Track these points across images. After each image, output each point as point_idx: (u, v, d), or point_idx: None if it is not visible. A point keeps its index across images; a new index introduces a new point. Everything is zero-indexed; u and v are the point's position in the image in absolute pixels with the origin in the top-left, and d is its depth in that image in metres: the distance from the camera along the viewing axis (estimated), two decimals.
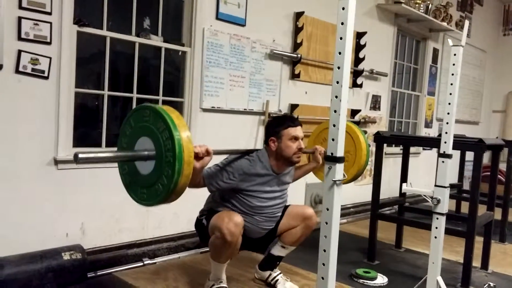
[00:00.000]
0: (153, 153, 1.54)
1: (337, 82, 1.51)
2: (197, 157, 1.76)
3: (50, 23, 2.36)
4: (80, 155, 1.36)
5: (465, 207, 3.71)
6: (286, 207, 2.43)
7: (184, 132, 1.50)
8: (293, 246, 2.41)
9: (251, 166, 2.17)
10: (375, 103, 4.83)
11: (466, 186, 5.00)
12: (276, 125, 2.27)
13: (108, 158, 1.64)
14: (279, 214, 2.37)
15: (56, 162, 2.43)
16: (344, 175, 1.53)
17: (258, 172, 2.19)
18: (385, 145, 3.24)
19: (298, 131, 2.25)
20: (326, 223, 1.50)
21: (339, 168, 1.51)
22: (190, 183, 1.98)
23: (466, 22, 2.33)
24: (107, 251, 2.63)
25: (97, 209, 2.63)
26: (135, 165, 1.61)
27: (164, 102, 3.02)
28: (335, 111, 1.52)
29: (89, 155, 1.45)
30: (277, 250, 2.45)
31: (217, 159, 2.05)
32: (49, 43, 2.36)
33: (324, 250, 1.49)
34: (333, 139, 1.52)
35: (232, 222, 2.05)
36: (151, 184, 1.57)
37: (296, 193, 3.93)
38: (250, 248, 2.44)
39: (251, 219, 2.24)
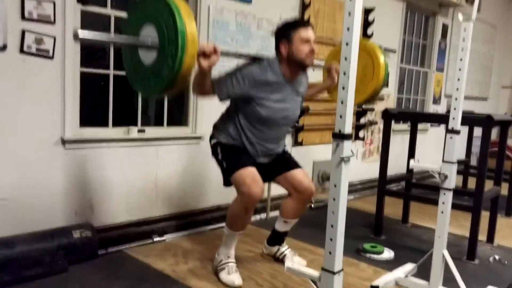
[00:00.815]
0: (156, 40, 1.57)
1: (345, 59, 1.49)
2: (205, 55, 1.76)
3: (54, 2, 2.33)
4: (80, 34, 1.37)
5: (472, 183, 3.70)
6: (293, 163, 2.39)
7: (185, 9, 1.53)
8: (294, 219, 2.45)
9: (261, 73, 2.13)
10: None
11: (474, 162, 4.98)
12: (286, 27, 2.20)
13: (109, 40, 1.71)
14: (286, 131, 2.35)
15: (64, 142, 2.45)
16: (352, 152, 1.53)
17: (269, 79, 2.14)
18: (393, 122, 3.22)
19: (309, 32, 2.18)
20: (334, 199, 1.51)
21: (347, 145, 1.50)
22: (199, 89, 2.04)
23: None
24: (117, 228, 2.67)
25: (106, 188, 2.66)
26: (139, 56, 1.66)
27: None
28: (343, 88, 1.51)
29: (90, 35, 1.47)
30: (280, 226, 2.49)
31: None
32: (53, 23, 2.35)
33: (332, 226, 1.50)
34: (341, 116, 1.51)
35: (256, 186, 2.08)
36: (157, 70, 1.60)
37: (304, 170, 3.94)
38: None
39: (258, 136, 2.22)
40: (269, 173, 2.37)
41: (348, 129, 1.51)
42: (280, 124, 2.25)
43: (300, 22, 2.22)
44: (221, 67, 2.53)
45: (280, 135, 2.32)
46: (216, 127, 2.33)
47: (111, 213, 2.70)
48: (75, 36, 1.39)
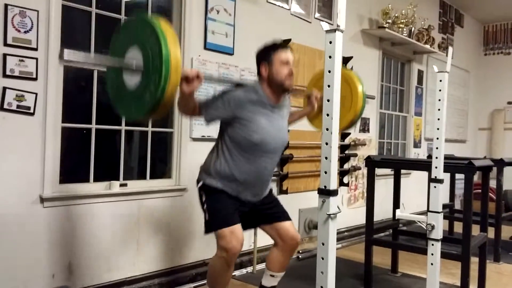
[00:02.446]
0: (141, 64, 1.58)
1: (328, 115, 1.51)
2: (187, 80, 1.80)
3: (36, 58, 2.33)
4: (66, 55, 1.37)
5: (458, 227, 3.69)
6: (281, 213, 2.35)
7: (171, 38, 1.55)
8: (281, 272, 2.38)
9: (245, 93, 2.16)
10: (364, 126, 4.86)
11: (457, 205, 5.01)
12: (266, 50, 2.25)
13: (95, 61, 1.68)
14: (278, 157, 2.31)
15: (42, 200, 2.36)
16: (338, 208, 1.51)
17: (253, 98, 2.16)
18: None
19: (288, 55, 2.23)
20: (322, 259, 1.47)
21: (333, 202, 1.49)
22: (183, 109, 2.09)
23: (450, 49, 2.37)
24: None
25: (85, 247, 2.55)
26: (124, 79, 1.66)
27: (154, 133, 2.99)
28: (326, 144, 1.51)
29: (76, 56, 1.47)
30: (267, 281, 2.40)
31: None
32: (35, 79, 2.34)
33: (321, 287, 1.45)
34: (325, 172, 1.50)
35: (235, 241, 2.08)
36: (139, 96, 1.60)
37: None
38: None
39: (251, 161, 2.17)
40: (255, 219, 2.33)
41: (333, 185, 1.50)
42: (271, 147, 2.21)
43: (280, 45, 2.28)
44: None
45: (270, 165, 2.26)
46: (203, 166, 2.31)
47: (90, 274, 2.57)
48: (60, 57, 1.41)
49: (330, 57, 1.48)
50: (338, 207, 1.52)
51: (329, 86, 1.50)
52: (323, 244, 1.48)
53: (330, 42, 1.48)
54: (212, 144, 3.21)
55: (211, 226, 2.17)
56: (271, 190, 2.41)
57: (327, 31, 1.47)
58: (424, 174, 4.99)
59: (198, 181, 2.28)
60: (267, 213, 2.34)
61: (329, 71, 1.49)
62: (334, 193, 1.49)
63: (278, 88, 2.22)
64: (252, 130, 2.14)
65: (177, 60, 1.54)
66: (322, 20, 4.08)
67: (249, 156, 2.17)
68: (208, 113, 2.13)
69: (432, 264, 2.11)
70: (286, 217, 2.36)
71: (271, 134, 2.20)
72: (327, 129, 1.51)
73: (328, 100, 1.50)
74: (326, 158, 1.50)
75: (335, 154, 1.50)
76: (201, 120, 3.11)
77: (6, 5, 2.21)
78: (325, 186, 1.49)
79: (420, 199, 5.38)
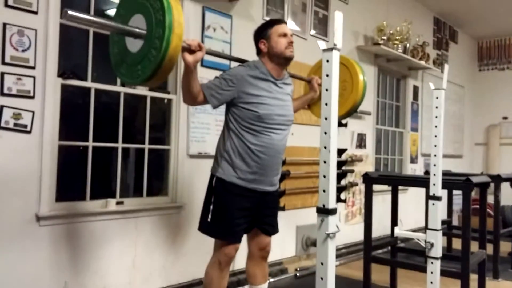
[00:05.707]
0: (144, 31, 1.66)
1: (325, 133, 1.51)
2: (190, 50, 1.85)
3: (34, 77, 2.34)
4: (70, 12, 1.45)
5: (456, 243, 3.67)
6: (272, 228, 2.36)
7: (175, 4, 1.62)
8: (264, 283, 2.40)
9: (247, 70, 2.19)
10: (361, 142, 4.88)
11: (455, 220, 4.99)
12: (263, 27, 2.29)
13: (99, 23, 1.69)
14: (286, 133, 2.29)
15: (38, 218, 2.34)
16: (337, 227, 1.50)
17: (256, 74, 2.19)
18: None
19: (285, 27, 2.26)
20: (322, 279, 1.45)
21: (332, 221, 1.48)
22: (188, 92, 2.08)
23: (446, 66, 2.40)
24: None
25: (81, 266, 2.52)
26: (126, 44, 1.73)
27: (151, 151, 2.98)
28: (324, 162, 1.51)
29: (79, 14, 1.53)
30: None
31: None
32: (32, 97, 2.33)
33: None
34: (324, 190, 1.50)
35: (232, 249, 2.16)
36: (141, 59, 1.66)
37: (287, 235, 3.86)
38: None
39: (261, 136, 2.17)
40: (253, 222, 2.31)
41: (332, 203, 1.49)
42: (276, 121, 2.21)
43: (275, 20, 2.33)
44: None
45: (279, 140, 2.24)
46: (215, 154, 2.30)
47: None
48: (64, 13, 1.49)
49: (327, 75, 1.49)
50: (337, 226, 1.51)
51: (326, 104, 1.50)
52: (322, 264, 1.46)
53: (327, 61, 1.49)
54: (209, 161, 3.21)
55: (214, 233, 2.20)
56: (277, 190, 2.41)
57: (324, 50, 1.49)
58: (421, 190, 4.99)
59: (211, 174, 2.27)
60: (263, 221, 2.34)
61: (326, 90, 1.50)
62: (333, 212, 1.48)
63: (279, 60, 2.24)
64: (257, 104, 2.16)
65: (180, 25, 1.60)
66: (318, 37, 4.13)
67: (257, 132, 2.18)
68: (213, 95, 2.12)
69: (431, 282, 2.09)
70: (273, 232, 2.40)
71: (275, 108, 2.21)
72: (325, 147, 1.51)
73: (325, 119, 1.51)
74: (324, 176, 1.50)
75: (333, 172, 1.49)
76: (198, 137, 3.14)
77: (4, 24, 2.23)
78: (323, 205, 1.48)
79: (418, 214, 5.36)
